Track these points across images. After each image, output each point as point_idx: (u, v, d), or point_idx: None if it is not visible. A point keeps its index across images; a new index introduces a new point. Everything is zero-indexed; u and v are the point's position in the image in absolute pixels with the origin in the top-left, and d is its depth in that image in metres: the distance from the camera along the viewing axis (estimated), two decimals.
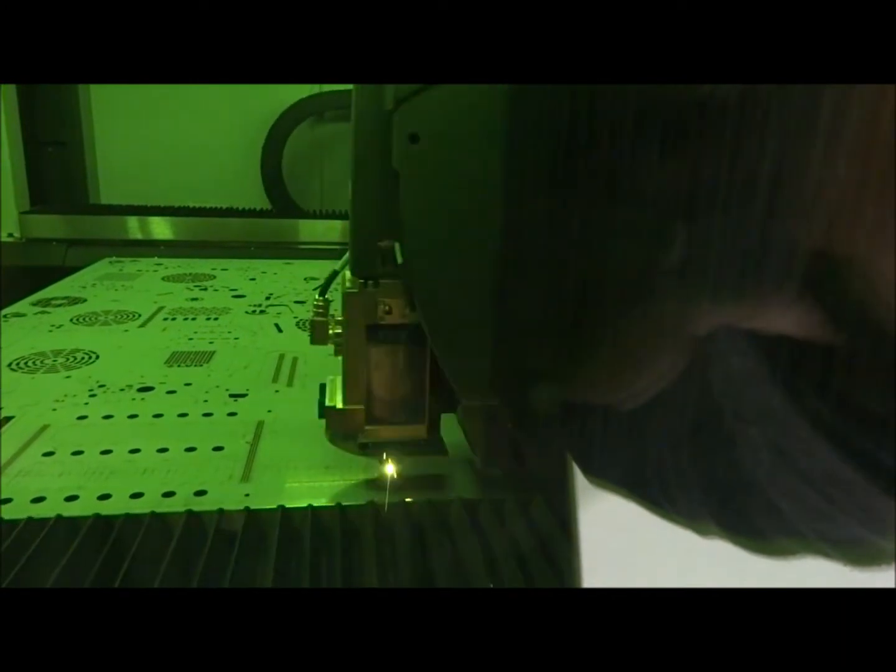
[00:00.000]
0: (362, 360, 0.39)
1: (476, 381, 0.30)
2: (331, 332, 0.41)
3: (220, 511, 0.41)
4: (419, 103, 0.28)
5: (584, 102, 0.19)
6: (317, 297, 0.41)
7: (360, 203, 0.36)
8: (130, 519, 0.40)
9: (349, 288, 0.38)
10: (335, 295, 0.40)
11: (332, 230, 1.38)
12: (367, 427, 0.41)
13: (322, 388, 0.44)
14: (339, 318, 0.41)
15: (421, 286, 0.32)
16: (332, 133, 1.57)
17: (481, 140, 0.25)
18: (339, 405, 0.41)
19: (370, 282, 0.38)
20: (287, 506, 0.42)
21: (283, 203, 1.51)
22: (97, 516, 0.40)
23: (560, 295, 0.22)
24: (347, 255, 0.40)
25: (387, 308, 0.38)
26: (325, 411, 0.41)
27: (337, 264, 0.41)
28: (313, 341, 0.41)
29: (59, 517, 0.39)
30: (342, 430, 0.41)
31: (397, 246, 0.36)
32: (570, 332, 0.22)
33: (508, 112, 0.22)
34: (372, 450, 0.42)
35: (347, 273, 0.40)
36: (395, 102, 0.30)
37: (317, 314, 0.41)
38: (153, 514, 0.40)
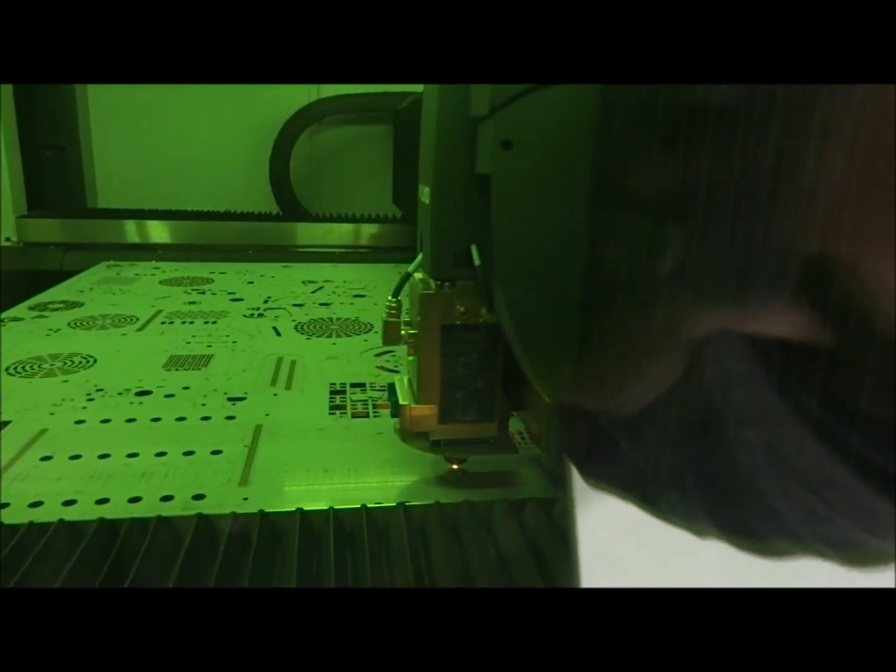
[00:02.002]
0: (437, 360, 0.41)
1: (561, 382, 0.30)
2: (403, 332, 0.42)
3: (219, 515, 0.41)
4: (514, 110, 0.29)
5: (680, 108, 0.19)
6: (389, 298, 0.42)
7: (439, 207, 0.38)
8: (136, 522, 0.40)
9: (425, 290, 0.40)
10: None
11: (330, 233, 1.38)
12: (439, 425, 0.42)
13: (391, 387, 0.46)
14: (408, 319, 0.42)
15: (510, 289, 0.32)
16: (330, 138, 1.57)
17: (573, 146, 0.25)
18: (413, 404, 0.42)
19: (446, 283, 0.39)
20: (285, 509, 0.42)
21: (290, 206, 1.51)
22: (102, 520, 0.40)
23: (643, 297, 0.22)
24: (419, 257, 0.41)
25: (462, 309, 0.39)
26: (399, 410, 0.43)
27: (404, 268, 0.42)
28: (385, 342, 0.42)
29: (60, 521, 0.39)
30: (416, 428, 0.43)
31: (474, 248, 0.38)
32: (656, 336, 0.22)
33: (600, 118, 0.23)
34: (443, 447, 0.44)
35: (417, 275, 0.42)
36: (491, 109, 0.30)
37: (389, 315, 0.42)
38: (159, 517, 0.40)
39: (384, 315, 0.42)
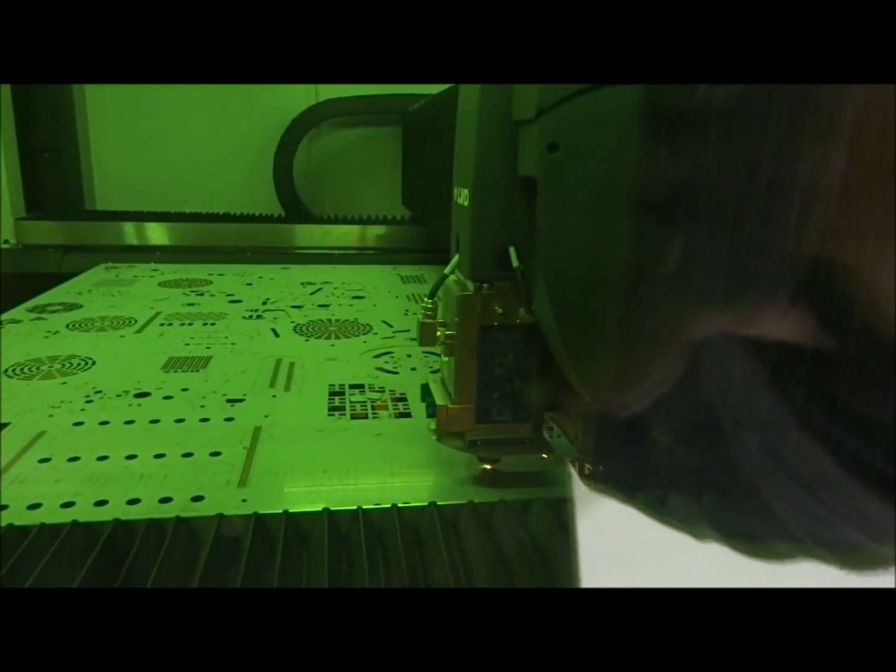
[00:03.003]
0: (474, 361, 0.41)
1: (603, 383, 0.30)
2: (439, 333, 0.42)
3: (219, 516, 0.41)
4: (561, 113, 0.28)
5: (726, 110, 0.19)
6: (426, 299, 0.42)
7: (479, 209, 0.38)
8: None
9: (463, 290, 0.40)
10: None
11: (328, 235, 1.38)
12: (475, 425, 0.42)
13: (424, 388, 0.46)
14: (443, 321, 0.42)
15: (554, 291, 0.32)
16: (335, 140, 1.57)
17: (620, 149, 0.25)
18: (449, 404, 0.42)
19: (484, 284, 0.39)
20: (286, 510, 0.42)
21: (292, 204, 1.51)
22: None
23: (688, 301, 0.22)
24: (455, 258, 0.42)
25: (500, 310, 0.40)
26: (437, 410, 0.43)
27: (438, 269, 0.43)
28: (422, 343, 0.43)
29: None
30: (452, 428, 0.43)
31: (512, 250, 0.38)
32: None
33: (642, 122, 0.23)
34: (479, 447, 0.44)
35: (452, 277, 0.42)
36: (538, 112, 0.30)
37: (426, 316, 0.42)
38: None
39: (420, 316, 0.42)
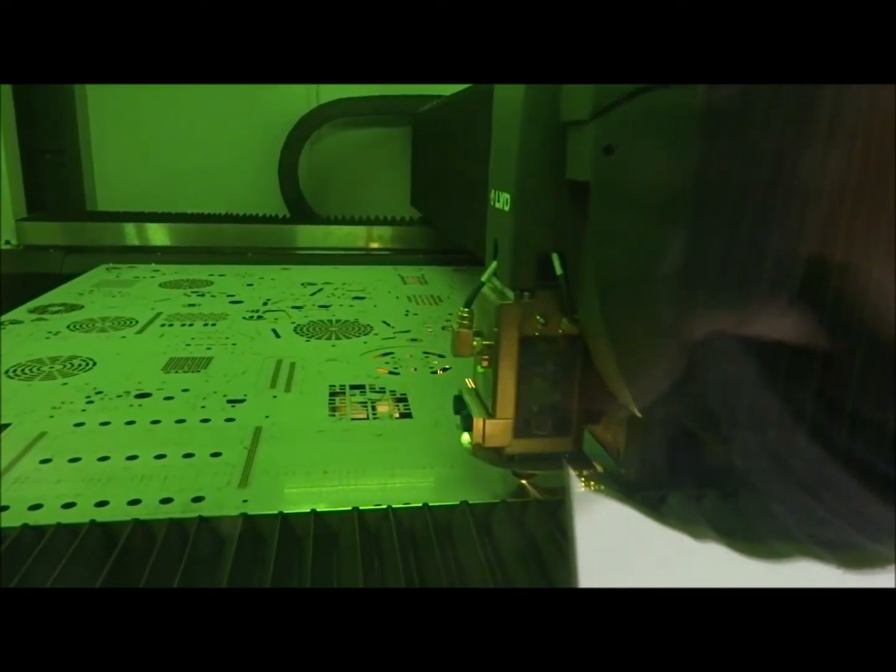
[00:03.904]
0: (514, 373, 0.39)
1: (654, 395, 0.29)
2: (475, 343, 0.40)
3: (219, 517, 0.41)
4: (619, 114, 0.28)
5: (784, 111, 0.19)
6: (462, 308, 0.41)
7: (522, 214, 0.36)
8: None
9: (503, 299, 0.38)
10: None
11: (330, 236, 1.38)
12: (514, 439, 0.41)
13: (458, 400, 0.44)
14: (478, 330, 0.40)
15: (606, 299, 0.31)
16: (342, 141, 1.57)
17: (677, 152, 0.24)
18: (486, 418, 0.41)
19: (525, 293, 0.38)
20: (285, 511, 0.42)
21: (296, 202, 1.51)
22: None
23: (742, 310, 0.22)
24: (493, 265, 0.40)
25: (542, 320, 0.38)
26: (473, 423, 0.41)
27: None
28: (456, 353, 0.41)
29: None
30: (490, 443, 0.41)
31: (555, 257, 0.36)
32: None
33: (704, 123, 0.22)
34: (517, 462, 0.42)
35: (489, 285, 0.40)
36: (593, 113, 0.29)
37: (461, 325, 0.41)
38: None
39: (455, 325, 0.41)
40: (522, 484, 0.45)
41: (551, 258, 0.36)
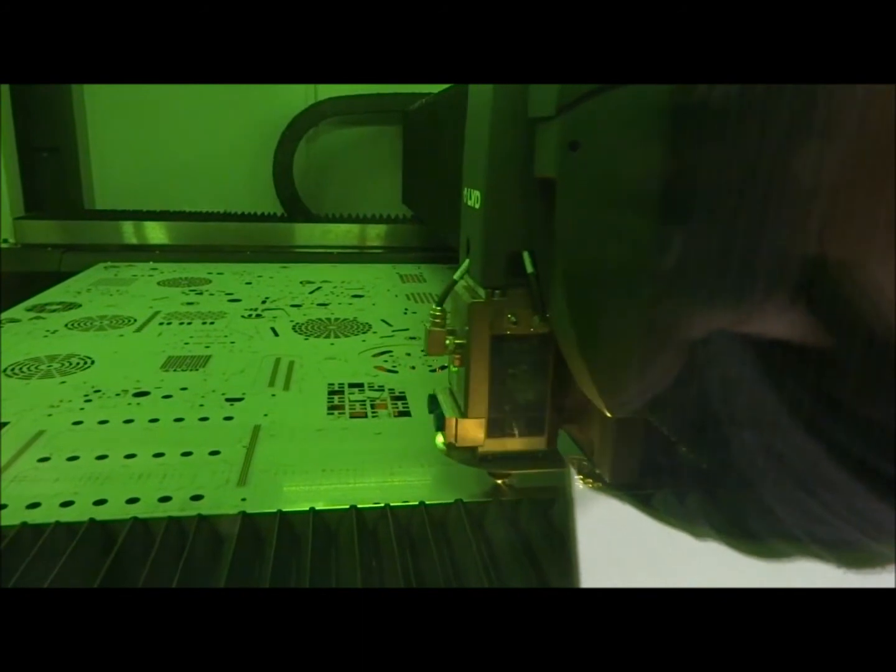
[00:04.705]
0: (486, 372, 0.39)
1: (623, 394, 0.29)
2: (448, 342, 0.40)
3: (218, 515, 0.41)
4: (582, 111, 0.27)
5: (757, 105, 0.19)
6: (434, 306, 0.40)
7: (492, 211, 0.36)
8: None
9: (474, 298, 0.38)
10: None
11: (328, 234, 1.38)
12: (487, 439, 0.41)
13: (432, 399, 0.44)
14: (452, 328, 0.40)
15: (573, 296, 0.30)
16: (335, 139, 1.57)
17: (642, 148, 0.24)
18: (459, 417, 0.40)
19: (496, 291, 0.37)
20: (284, 510, 0.42)
21: (291, 201, 1.51)
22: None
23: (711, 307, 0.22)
24: (465, 264, 0.39)
25: (513, 318, 0.38)
26: (445, 423, 0.41)
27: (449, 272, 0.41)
28: (430, 352, 0.40)
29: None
30: (463, 442, 0.41)
31: (526, 255, 0.36)
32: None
33: (671, 118, 0.22)
34: (490, 462, 0.42)
35: (462, 283, 0.40)
36: (558, 109, 0.29)
37: (434, 324, 0.40)
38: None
39: (427, 324, 0.40)
40: (498, 484, 0.45)
41: (522, 256, 0.36)
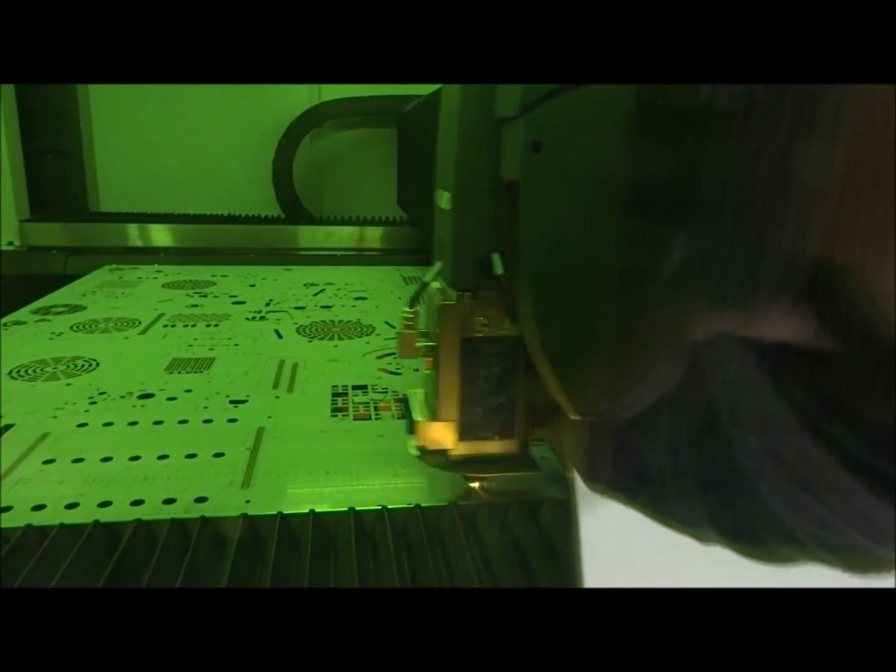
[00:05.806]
0: (456, 374, 0.39)
1: (590, 396, 0.29)
2: (419, 344, 0.40)
3: (221, 517, 0.41)
4: (545, 111, 0.27)
5: (720, 104, 0.18)
6: (405, 308, 0.40)
7: (462, 213, 0.35)
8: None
9: (445, 299, 0.37)
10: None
11: (332, 236, 1.38)
12: (458, 442, 0.40)
13: (404, 402, 0.44)
14: (425, 331, 0.40)
15: (537, 298, 0.30)
16: (332, 142, 1.57)
17: (606, 149, 0.24)
18: (430, 420, 0.40)
19: (467, 293, 0.37)
20: (285, 512, 0.42)
21: (292, 207, 1.51)
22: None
23: (675, 308, 0.22)
24: (437, 265, 0.39)
25: (483, 320, 0.37)
26: (415, 426, 0.40)
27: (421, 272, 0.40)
28: (402, 355, 0.40)
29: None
30: (433, 445, 0.40)
31: (496, 257, 0.35)
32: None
33: (632, 120, 0.22)
34: (462, 465, 0.42)
35: (435, 285, 0.39)
36: (521, 109, 0.28)
37: (406, 326, 0.40)
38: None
39: (399, 326, 0.40)
40: (472, 487, 0.45)
41: (492, 258, 0.36)
